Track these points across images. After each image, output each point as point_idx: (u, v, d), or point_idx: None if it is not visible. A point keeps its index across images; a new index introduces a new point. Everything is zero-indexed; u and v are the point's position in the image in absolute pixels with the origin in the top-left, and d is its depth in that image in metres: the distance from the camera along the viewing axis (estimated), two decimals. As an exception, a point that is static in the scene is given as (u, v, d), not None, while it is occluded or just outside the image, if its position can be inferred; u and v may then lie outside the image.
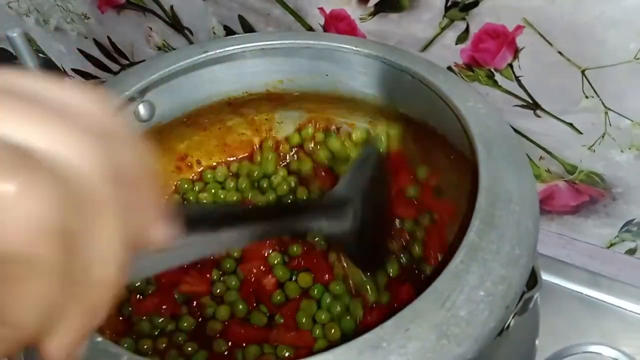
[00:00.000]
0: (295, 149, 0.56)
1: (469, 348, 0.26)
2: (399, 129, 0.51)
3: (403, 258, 0.46)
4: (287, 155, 0.55)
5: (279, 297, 0.44)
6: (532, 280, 0.31)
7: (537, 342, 0.43)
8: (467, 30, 0.47)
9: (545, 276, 0.52)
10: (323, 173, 0.52)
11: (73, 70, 0.83)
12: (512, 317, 0.30)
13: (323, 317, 0.42)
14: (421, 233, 0.47)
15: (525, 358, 0.42)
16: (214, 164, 0.56)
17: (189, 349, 0.42)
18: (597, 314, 0.51)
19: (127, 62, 0.76)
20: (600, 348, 0.49)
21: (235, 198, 0.51)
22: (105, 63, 0.79)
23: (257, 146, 0.57)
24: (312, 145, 0.55)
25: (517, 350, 0.39)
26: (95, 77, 0.82)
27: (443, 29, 0.48)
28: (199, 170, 0.55)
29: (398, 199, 0.49)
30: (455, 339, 0.26)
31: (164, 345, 0.42)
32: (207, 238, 0.25)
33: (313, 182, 0.52)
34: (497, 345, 0.29)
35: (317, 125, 0.56)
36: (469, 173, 0.42)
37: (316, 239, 0.46)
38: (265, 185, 0.52)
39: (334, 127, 0.56)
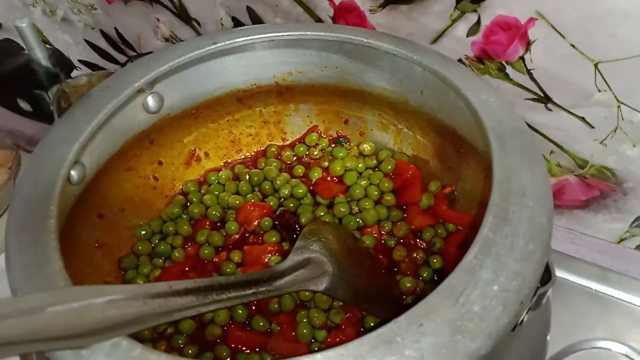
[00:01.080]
0: (302, 157, 0.56)
1: (482, 343, 0.26)
2: (410, 122, 0.50)
3: (424, 274, 0.45)
4: (291, 161, 0.55)
5: (275, 305, 0.43)
6: (546, 276, 0.31)
7: (548, 337, 0.43)
8: (478, 22, 0.47)
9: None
10: (329, 178, 0.52)
11: (80, 61, 0.83)
12: (526, 313, 0.30)
13: (322, 334, 0.42)
14: (440, 243, 0.47)
15: (537, 353, 0.42)
16: (222, 163, 0.56)
17: (189, 351, 0.41)
18: (606, 309, 0.51)
19: (134, 53, 0.76)
20: (609, 343, 0.48)
21: (237, 202, 0.50)
22: (112, 54, 0.78)
23: (263, 149, 0.57)
24: (317, 152, 0.55)
25: (529, 345, 0.39)
26: (102, 68, 0.82)
27: (454, 21, 0.48)
28: (208, 163, 0.55)
29: (412, 211, 0.49)
30: (469, 334, 0.26)
31: (163, 348, 0.41)
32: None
33: (320, 188, 0.52)
34: (510, 341, 0.29)
35: (324, 132, 0.56)
36: (479, 167, 0.42)
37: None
38: (267, 187, 0.52)
39: (342, 135, 0.56)
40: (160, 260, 0.48)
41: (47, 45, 0.77)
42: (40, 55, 0.43)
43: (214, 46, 0.46)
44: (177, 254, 0.48)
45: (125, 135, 0.46)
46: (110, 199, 0.47)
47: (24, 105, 0.45)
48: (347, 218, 0.48)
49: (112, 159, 0.45)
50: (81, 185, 0.42)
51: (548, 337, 0.42)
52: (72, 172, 0.39)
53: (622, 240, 0.56)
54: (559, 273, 0.53)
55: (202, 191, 0.53)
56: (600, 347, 0.48)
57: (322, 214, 0.49)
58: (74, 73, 0.45)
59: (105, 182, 0.46)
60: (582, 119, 0.48)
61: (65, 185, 0.37)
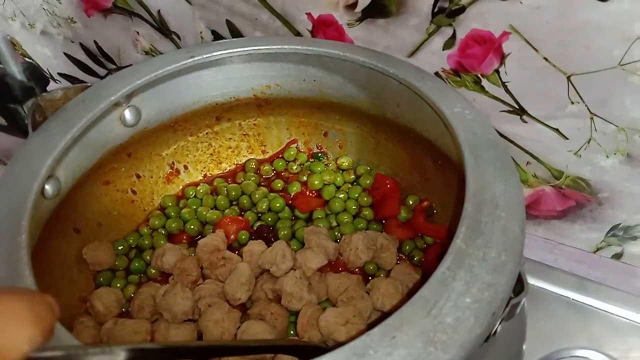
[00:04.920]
0: (281, 172, 0.56)
1: (455, 355, 0.26)
2: (388, 134, 0.51)
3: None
4: (269, 176, 0.56)
5: None
6: (519, 286, 0.31)
7: (524, 347, 0.43)
8: (454, 36, 0.47)
9: (532, 281, 0.52)
10: (307, 193, 0.52)
11: (59, 74, 0.82)
12: (499, 323, 0.30)
13: None
14: (419, 256, 0.47)
15: (513, 363, 0.42)
16: (201, 177, 0.56)
17: None
18: (584, 318, 0.51)
19: (114, 66, 0.76)
20: (587, 352, 0.49)
21: (215, 217, 0.50)
22: (92, 67, 0.78)
23: (242, 163, 0.57)
24: (296, 167, 0.55)
25: (504, 355, 0.39)
26: (81, 81, 0.81)
27: (430, 35, 0.49)
28: (187, 177, 0.55)
29: (391, 224, 0.49)
30: (441, 345, 0.26)
31: None
32: None
33: (299, 202, 0.52)
34: (484, 352, 0.29)
35: (304, 144, 0.57)
36: (455, 179, 0.42)
37: None
38: (245, 202, 0.52)
39: (320, 151, 0.56)
40: (136, 277, 0.47)
41: (26, 59, 0.77)
42: (15, 69, 0.43)
43: (191, 60, 0.46)
44: (152, 270, 0.47)
45: (102, 149, 0.46)
46: (87, 213, 0.47)
47: (-1, 119, 0.44)
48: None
49: (88, 172, 0.45)
50: (56, 200, 0.41)
51: (524, 347, 0.43)
52: (47, 186, 0.39)
53: (598, 249, 0.57)
54: (537, 282, 0.53)
55: (180, 205, 0.53)
56: (578, 356, 0.49)
57: (299, 227, 0.49)
58: (52, 86, 0.45)
59: (81, 196, 0.45)
60: (557, 130, 0.49)
61: (39, 200, 0.37)
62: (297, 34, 0.56)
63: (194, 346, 0.32)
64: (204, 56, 0.46)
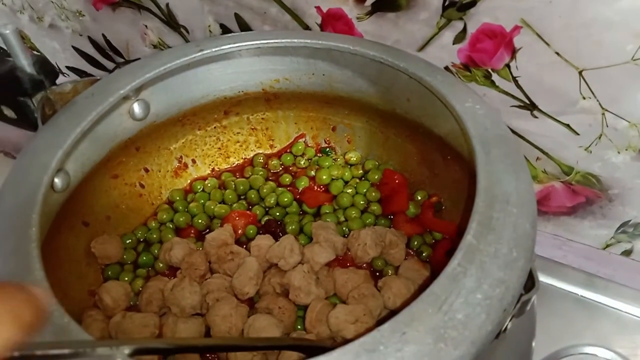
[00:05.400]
0: (289, 166, 0.56)
1: (466, 351, 0.26)
2: (397, 129, 0.50)
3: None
4: (277, 170, 0.56)
5: None
6: (530, 282, 0.31)
7: (533, 343, 0.43)
8: (464, 30, 0.47)
9: (541, 277, 0.52)
10: (315, 188, 0.52)
11: (67, 67, 0.83)
12: (510, 320, 0.30)
13: None
14: (427, 251, 0.47)
15: (522, 360, 0.42)
16: (209, 171, 0.56)
17: None
18: (592, 315, 0.51)
19: (122, 60, 0.76)
20: (596, 349, 0.49)
21: (223, 211, 0.51)
22: (100, 61, 0.78)
23: (250, 157, 0.57)
24: (304, 161, 0.55)
25: (514, 352, 0.39)
26: (90, 75, 0.81)
27: (440, 29, 0.48)
28: (195, 171, 0.55)
29: (399, 219, 0.49)
30: (452, 342, 0.26)
31: None
32: None
33: (306, 197, 0.52)
34: (494, 348, 0.29)
35: (312, 139, 0.56)
36: (465, 174, 0.42)
37: None
38: (253, 196, 0.52)
39: (328, 145, 0.56)
40: (144, 271, 0.47)
41: (35, 52, 0.77)
42: (25, 62, 0.43)
43: (200, 53, 0.45)
44: (160, 264, 0.47)
45: (110, 143, 0.46)
46: (96, 207, 0.47)
47: (8, 112, 0.44)
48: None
49: (97, 166, 0.45)
50: (65, 193, 0.41)
51: (533, 344, 0.43)
52: (56, 180, 0.39)
53: (607, 246, 0.56)
54: (546, 279, 0.53)
55: (188, 199, 0.53)
56: (586, 353, 0.49)
57: (307, 222, 0.49)
58: (60, 79, 0.45)
59: (90, 189, 0.45)
60: (568, 126, 0.48)
61: (49, 193, 0.37)
62: (306, 27, 0.56)
63: (200, 344, 0.32)
64: (213, 50, 0.46)
